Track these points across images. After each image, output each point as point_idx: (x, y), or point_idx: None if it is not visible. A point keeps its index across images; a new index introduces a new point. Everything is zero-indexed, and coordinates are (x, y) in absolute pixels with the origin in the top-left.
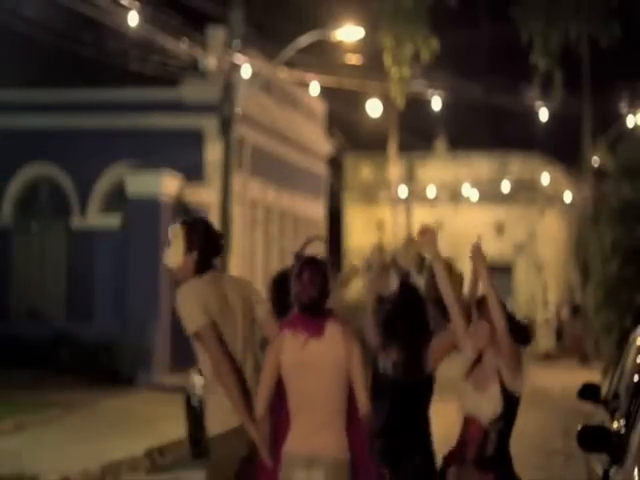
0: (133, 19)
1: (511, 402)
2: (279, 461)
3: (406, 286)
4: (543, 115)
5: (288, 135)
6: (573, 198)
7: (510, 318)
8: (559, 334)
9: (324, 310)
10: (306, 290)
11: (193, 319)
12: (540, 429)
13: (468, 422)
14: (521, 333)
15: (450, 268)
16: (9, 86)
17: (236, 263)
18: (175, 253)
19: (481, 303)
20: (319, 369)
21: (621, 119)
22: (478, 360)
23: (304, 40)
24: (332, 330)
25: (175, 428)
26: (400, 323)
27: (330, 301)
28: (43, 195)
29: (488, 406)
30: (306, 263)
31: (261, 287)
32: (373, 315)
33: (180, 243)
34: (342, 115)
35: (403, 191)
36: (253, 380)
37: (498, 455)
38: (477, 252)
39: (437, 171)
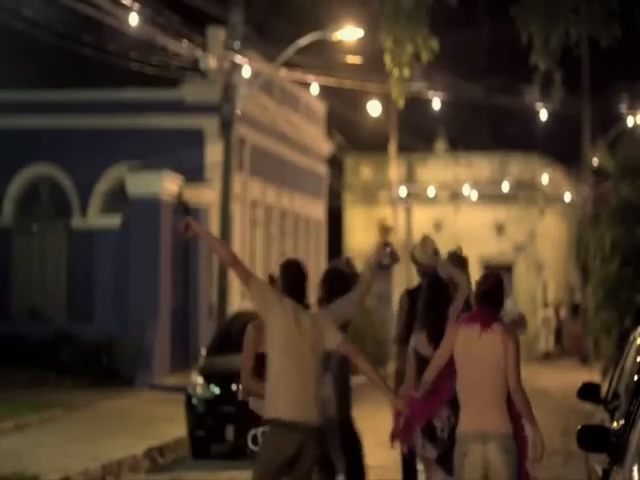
0: (134, 20)
1: None
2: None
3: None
4: (543, 115)
5: (288, 135)
6: (573, 198)
7: None
8: (559, 334)
9: (499, 306)
10: (488, 280)
11: None
12: (540, 429)
13: None
14: None
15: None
16: (9, 86)
17: None
18: None
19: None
20: (486, 358)
21: (621, 119)
22: None
23: (304, 40)
24: (497, 327)
25: (175, 428)
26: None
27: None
28: (44, 195)
29: None
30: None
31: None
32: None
33: None
34: (342, 115)
35: (403, 191)
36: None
37: None
38: None
39: (437, 171)
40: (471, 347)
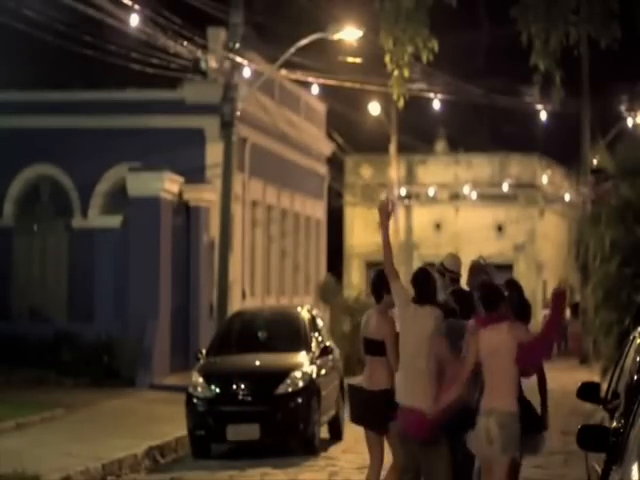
0: (134, 20)
1: None
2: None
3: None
4: (543, 116)
5: (289, 135)
6: (572, 198)
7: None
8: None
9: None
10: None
11: None
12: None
13: None
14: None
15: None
16: (10, 86)
17: (236, 263)
18: None
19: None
20: (500, 353)
21: (621, 119)
22: None
23: (304, 41)
24: (504, 325)
25: (175, 428)
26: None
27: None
28: (44, 195)
29: None
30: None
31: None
32: None
33: None
34: (342, 115)
35: (403, 192)
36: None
37: None
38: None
39: (437, 172)
40: (488, 344)
